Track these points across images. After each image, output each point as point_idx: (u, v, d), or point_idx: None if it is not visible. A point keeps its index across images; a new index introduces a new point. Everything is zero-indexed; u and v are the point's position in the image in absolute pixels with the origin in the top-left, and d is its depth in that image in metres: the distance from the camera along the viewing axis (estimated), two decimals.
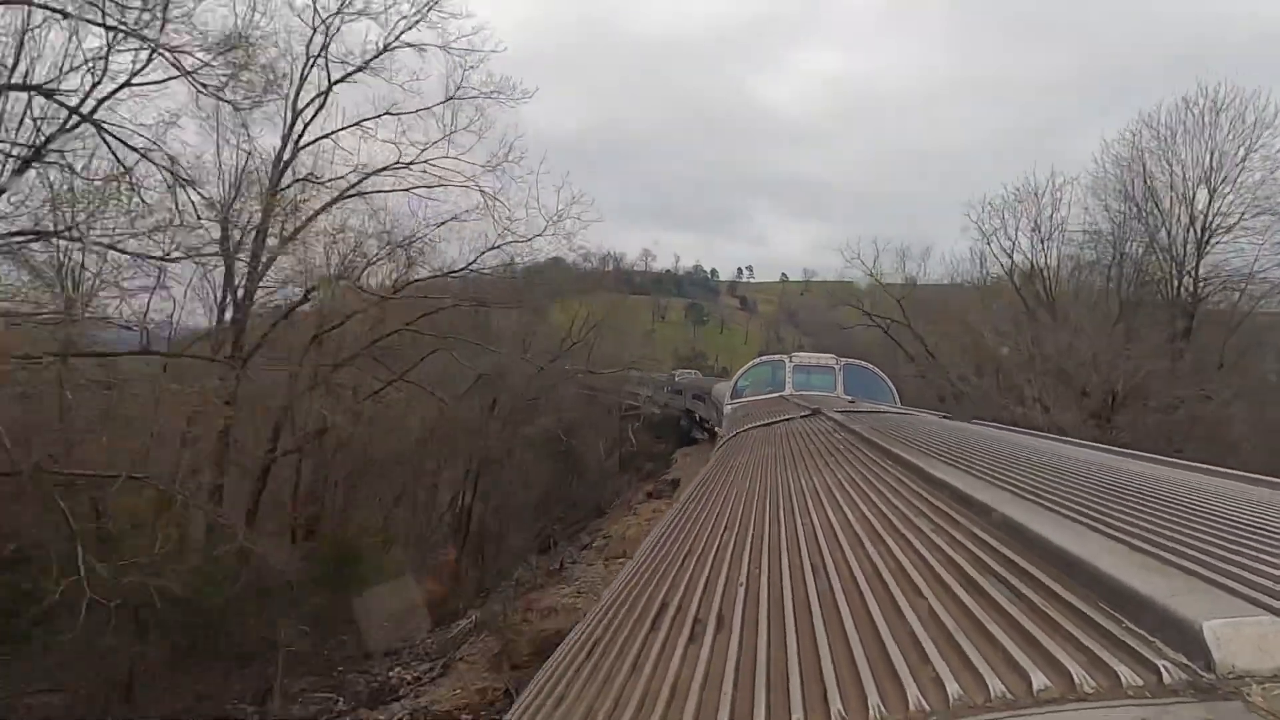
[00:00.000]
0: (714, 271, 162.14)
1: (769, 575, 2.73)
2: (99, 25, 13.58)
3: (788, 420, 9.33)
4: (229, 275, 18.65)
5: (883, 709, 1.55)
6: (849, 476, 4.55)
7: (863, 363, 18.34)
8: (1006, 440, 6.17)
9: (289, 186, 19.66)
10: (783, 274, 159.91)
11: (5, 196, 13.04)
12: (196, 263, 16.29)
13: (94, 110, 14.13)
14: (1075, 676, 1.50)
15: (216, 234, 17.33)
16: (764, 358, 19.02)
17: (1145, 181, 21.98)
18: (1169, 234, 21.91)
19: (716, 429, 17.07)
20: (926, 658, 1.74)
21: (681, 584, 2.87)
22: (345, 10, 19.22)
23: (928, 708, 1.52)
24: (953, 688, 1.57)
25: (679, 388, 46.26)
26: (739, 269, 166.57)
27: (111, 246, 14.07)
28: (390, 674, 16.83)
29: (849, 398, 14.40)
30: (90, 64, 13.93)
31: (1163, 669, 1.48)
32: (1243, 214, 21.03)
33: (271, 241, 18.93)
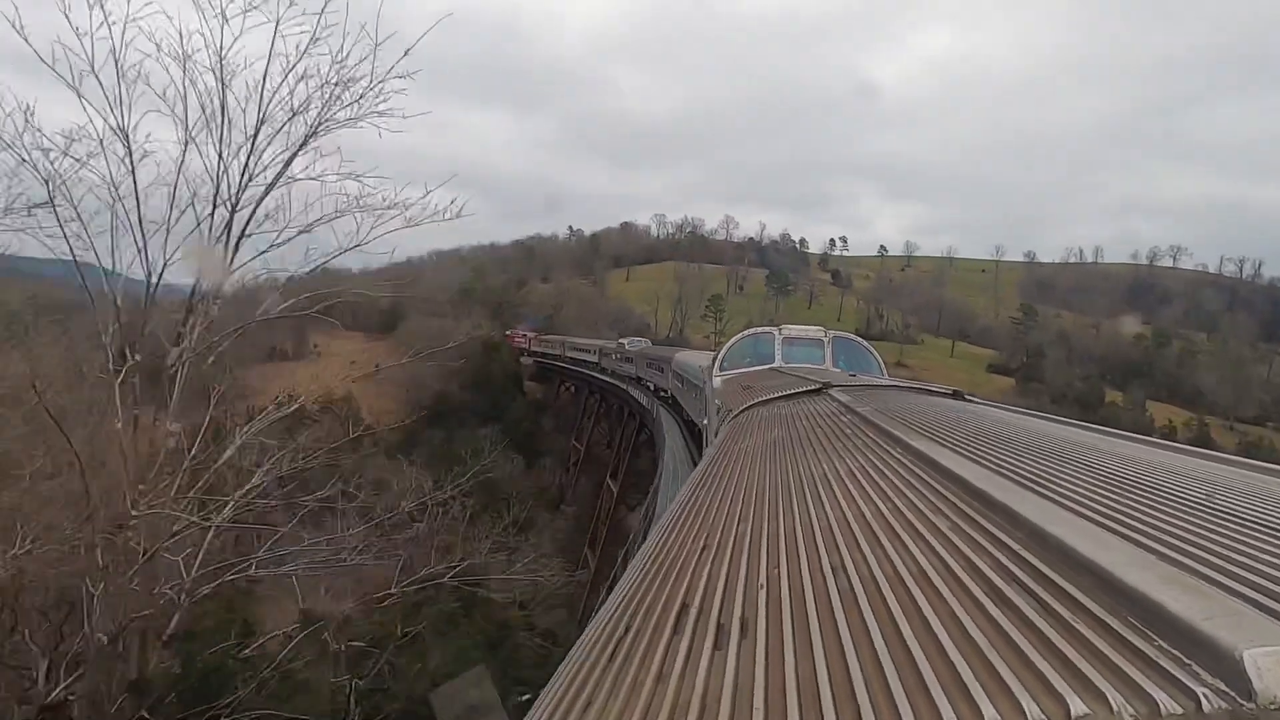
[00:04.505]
0: (802, 241, 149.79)
1: (789, 576, 2.73)
2: None
3: (792, 396, 9.35)
4: None
5: None
6: (860, 465, 4.55)
7: (851, 335, 18.57)
8: (1018, 425, 6.17)
9: None
10: (881, 247, 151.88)
11: None
12: None
13: None
14: (1113, 703, 1.50)
15: None
16: (751, 330, 19.30)
17: None
18: None
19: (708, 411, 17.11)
20: (959, 676, 1.74)
21: (700, 583, 2.89)
22: None
23: None
24: (989, 711, 1.57)
25: (628, 355, 44.09)
26: (831, 239, 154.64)
27: None
28: None
29: (838, 370, 14.56)
30: None
31: (1202, 696, 1.47)
32: None
33: None
